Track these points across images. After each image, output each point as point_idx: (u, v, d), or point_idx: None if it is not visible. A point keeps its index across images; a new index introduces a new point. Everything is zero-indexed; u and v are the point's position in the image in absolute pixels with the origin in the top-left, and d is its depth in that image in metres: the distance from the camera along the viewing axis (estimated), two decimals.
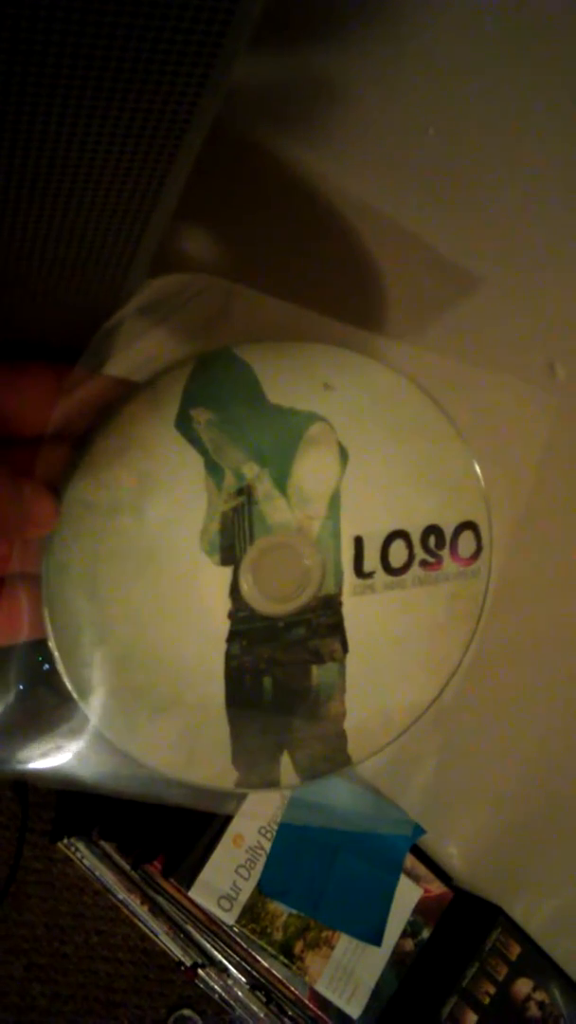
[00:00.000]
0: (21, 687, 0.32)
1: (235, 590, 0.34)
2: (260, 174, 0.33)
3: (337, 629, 0.35)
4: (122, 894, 1.09)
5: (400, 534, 0.34)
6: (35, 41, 0.20)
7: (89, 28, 0.20)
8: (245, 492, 0.33)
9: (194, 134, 0.24)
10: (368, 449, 0.34)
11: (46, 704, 0.33)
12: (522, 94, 0.31)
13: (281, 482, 0.33)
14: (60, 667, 0.32)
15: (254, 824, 0.84)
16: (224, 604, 0.34)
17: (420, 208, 0.35)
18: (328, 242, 0.36)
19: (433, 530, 0.35)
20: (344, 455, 0.34)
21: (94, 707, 0.33)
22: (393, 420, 0.34)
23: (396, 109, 0.32)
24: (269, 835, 0.85)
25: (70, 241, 0.27)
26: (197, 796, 0.35)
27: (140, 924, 1.15)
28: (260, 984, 0.92)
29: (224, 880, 0.83)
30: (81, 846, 1.10)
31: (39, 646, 0.32)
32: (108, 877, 1.08)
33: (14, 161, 0.23)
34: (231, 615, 0.34)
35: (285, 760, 0.35)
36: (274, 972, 0.85)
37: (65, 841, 1.11)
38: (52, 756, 0.33)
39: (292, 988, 0.85)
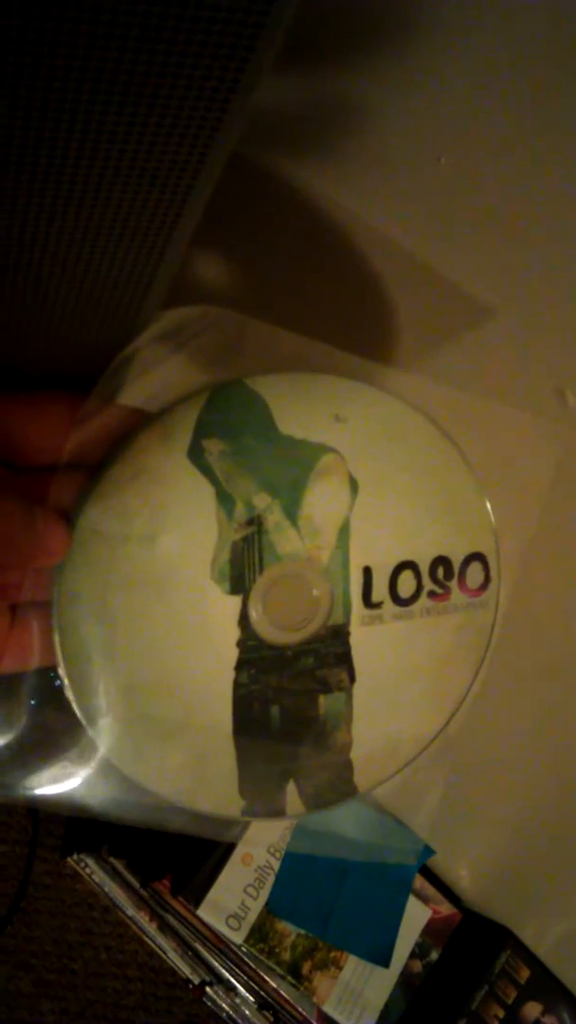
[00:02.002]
0: (31, 713, 0.33)
1: (244, 619, 0.34)
2: (270, 200, 0.34)
3: (345, 659, 0.35)
4: (131, 911, 1.09)
5: (409, 565, 0.35)
6: (55, 67, 0.20)
7: (110, 54, 0.20)
8: (255, 522, 0.33)
9: (213, 163, 0.24)
10: (378, 480, 0.34)
11: (55, 730, 0.33)
12: (533, 124, 0.31)
13: (291, 512, 0.33)
14: (69, 694, 0.32)
15: (263, 843, 0.84)
16: (233, 633, 0.34)
17: (431, 237, 0.35)
18: (339, 270, 0.36)
19: (442, 561, 0.35)
20: (354, 486, 0.34)
21: (102, 733, 0.33)
22: (403, 451, 0.34)
23: (408, 137, 0.32)
24: (278, 854, 0.85)
25: (85, 272, 0.27)
26: (202, 824, 0.35)
27: (149, 941, 1.14)
28: (268, 1004, 0.91)
29: (232, 899, 0.83)
30: (91, 862, 1.10)
31: (49, 673, 0.33)
32: (117, 893, 1.08)
33: (31, 190, 0.23)
34: (240, 644, 0.34)
35: (291, 789, 0.35)
36: (282, 992, 0.85)
37: (75, 857, 1.11)
38: (60, 782, 0.33)
39: (300, 1009, 0.85)
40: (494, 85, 0.30)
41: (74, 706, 0.33)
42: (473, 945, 0.89)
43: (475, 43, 0.29)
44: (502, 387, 0.38)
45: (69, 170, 0.23)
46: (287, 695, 0.34)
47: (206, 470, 0.33)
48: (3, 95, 0.20)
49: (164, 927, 1.06)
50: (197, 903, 0.82)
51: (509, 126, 0.31)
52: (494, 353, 0.38)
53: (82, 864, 1.12)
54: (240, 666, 0.34)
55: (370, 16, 0.28)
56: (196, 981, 1.12)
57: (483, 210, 0.34)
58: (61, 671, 0.32)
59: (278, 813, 0.35)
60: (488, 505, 0.35)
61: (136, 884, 0.99)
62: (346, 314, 0.37)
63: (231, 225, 0.34)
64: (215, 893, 0.83)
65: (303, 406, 0.33)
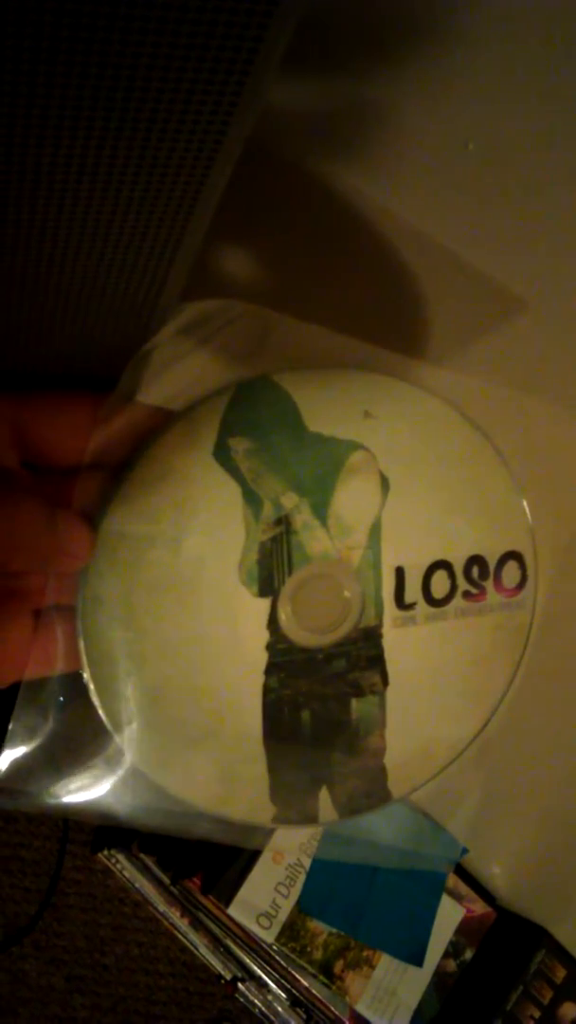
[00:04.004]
0: (56, 720, 0.32)
1: (273, 622, 0.33)
2: (295, 193, 0.33)
3: (377, 661, 0.34)
4: (162, 906, 1.09)
5: (442, 564, 0.34)
6: (62, 61, 0.19)
7: (115, 47, 0.19)
8: (284, 522, 0.32)
9: (226, 155, 0.23)
10: (410, 478, 0.33)
11: (81, 737, 0.32)
12: (565, 107, 0.30)
13: (321, 512, 0.33)
14: (95, 699, 0.32)
15: (294, 840, 0.83)
16: (262, 636, 0.33)
17: (461, 226, 0.34)
18: (366, 262, 0.35)
19: (476, 560, 0.34)
20: (385, 484, 0.33)
21: (129, 740, 0.32)
22: (435, 448, 0.33)
23: (435, 123, 0.31)
24: (309, 852, 0.85)
25: (99, 265, 0.27)
26: (231, 831, 0.34)
27: (180, 936, 1.14)
28: (300, 1001, 0.91)
29: (263, 897, 0.83)
30: (121, 858, 1.10)
31: (74, 678, 0.32)
32: (148, 889, 1.08)
33: (43, 185, 0.23)
34: (269, 647, 0.33)
35: (323, 795, 0.34)
36: (314, 992, 0.85)
37: (105, 852, 1.11)
38: (87, 789, 0.33)
39: (332, 1008, 0.84)
40: (524, 69, 0.29)
41: (100, 712, 0.32)
42: (508, 944, 0.88)
43: (504, 27, 0.28)
44: (537, 381, 0.37)
45: (77, 162, 0.22)
46: (318, 699, 0.34)
47: (232, 469, 0.32)
48: (16, 91, 0.19)
49: (195, 923, 1.06)
50: (228, 902, 0.82)
51: (538, 110, 0.30)
52: (528, 346, 0.36)
53: (112, 860, 1.12)
54: (270, 670, 0.33)
55: (396, 7, 0.27)
56: (228, 977, 1.12)
57: (513, 198, 0.33)
58: (86, 676, 0.32)
59: (310, 820, 0.34)
60: (524, 502, 0.34)
61: (167, 881, 0.99)
62: (374, 307, 0.36)
63: (256, 218, 0.33)
64: (246, 891, 0.82)
65: (332, 402, 0.33)
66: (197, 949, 1.13)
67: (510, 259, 0.35)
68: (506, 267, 0.35)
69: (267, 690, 0.33)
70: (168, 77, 0.20)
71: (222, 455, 0.32)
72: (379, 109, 0.30)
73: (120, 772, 0.33)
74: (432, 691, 0.34)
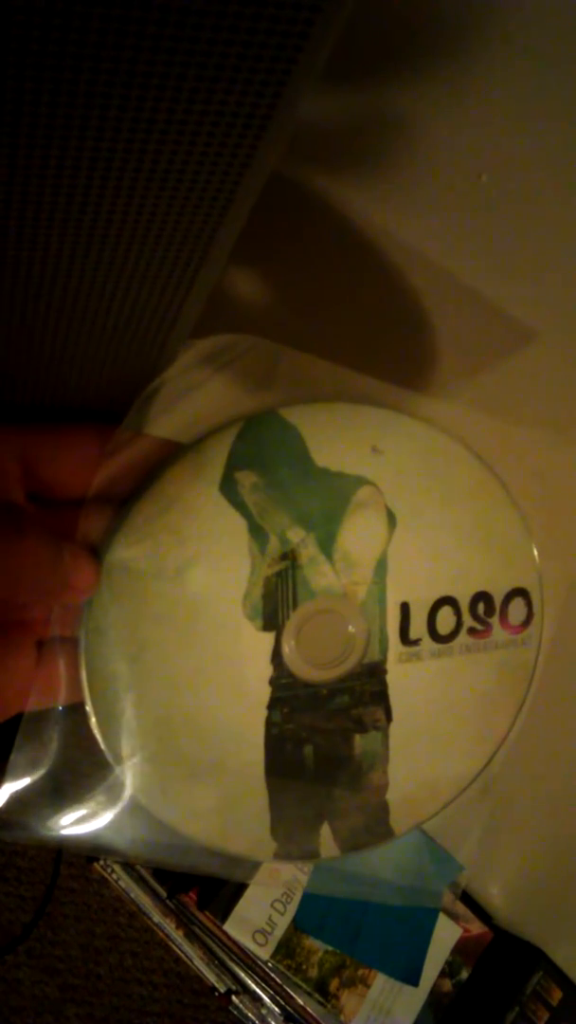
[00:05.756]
0: (57, 752, 0.32)
1: (277, 656, 0.33)
2: (305, 220, 0.33)
3: (381, 697, 0.34)
4: (157, 918, 1.09)
5: (448, 600, 0.33)
6: (93, 80, 0.18)
7: (145, 68, 0.18)
8: (289, 556, 0.32)
9: (250, 185, 0.23)
10: (417, 513, 0.33)
11: (81, 770, 0.32)
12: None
13: (327, 546, 0.32)
14: (96, 731, 0.32)
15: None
16: (265, 670, 0.33)
17: (472, 257, 0.34)
18: (376, 294, 0.35)
19: (482, 596, 0.34)
20: (392, 519, 0.33)
21: (130, 772, 0.32)
22: (443, 483, 0.33)
23: (448, 155, 0.31)
24: (306, 869, 0.84)
25: (112, 300, 0.26)
26: (232, 866, 0.34)
27: (175, 948, 1.14)
28: (294, 1017, 0.90)
29: (259, 914, 0.82)
30: (118, 868, 1.10)
31: (76, 710, 0.32)
32: (143, 901, 1.08)
33: (53, 217, 0.22)
34: (272, 681, 0.33)
35: (325, 831, 0.34)
36: (308, 1009, 0.84)
37: (101, 862, 1.11)
38: (86, 822, 0.32)
39: None
40: (538, 102, 0.29)
41: (101, 744, 0.32)
42: (504, 965, 0.88)
43: (519, 59, 0.28)
44: (546, 416, 0.36)
45: (95, 194, 0.22)
46: (321, 734, 0.33)
47: (239, 503, 0.32)
48: (34, 122, 0.19)
49: (190, 935, 1.06)
50: (224, 917, 0.82)
51: (552, 143, 0.30)
52: (537, 380, 0.36)
53: (109, 870, 1.12)
54: (273, 704, 0.33)
55: (412, 33, 0.27)
56: (222, 989, 1.12)
57: (525, 230, 0.33)
58: (88, 708, 0.31)
59: (311, 856, 0.34)
60: (531, 539, 0.34)
61: (163, 894, 0.99)
62: (383, 340, 0.36)
63: (264, 247, 0.33)
64: (242, 908, 0.82)
65: (339, 437, 0.32)
66: (192, 961, 1.12)
67: (521, 291, 0.35)
68: (517, 299, 0.35)
69: (270, 724, 0.33)
70: (195, 100, 0.19)
71: (229, 489, 0.32)
72: (391, 136, 0.30)
73: (120, 805, 0.32)
74: (436, 728, 0.34)
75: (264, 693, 0.33)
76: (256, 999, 1.01)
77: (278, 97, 0.20)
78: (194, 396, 0.31)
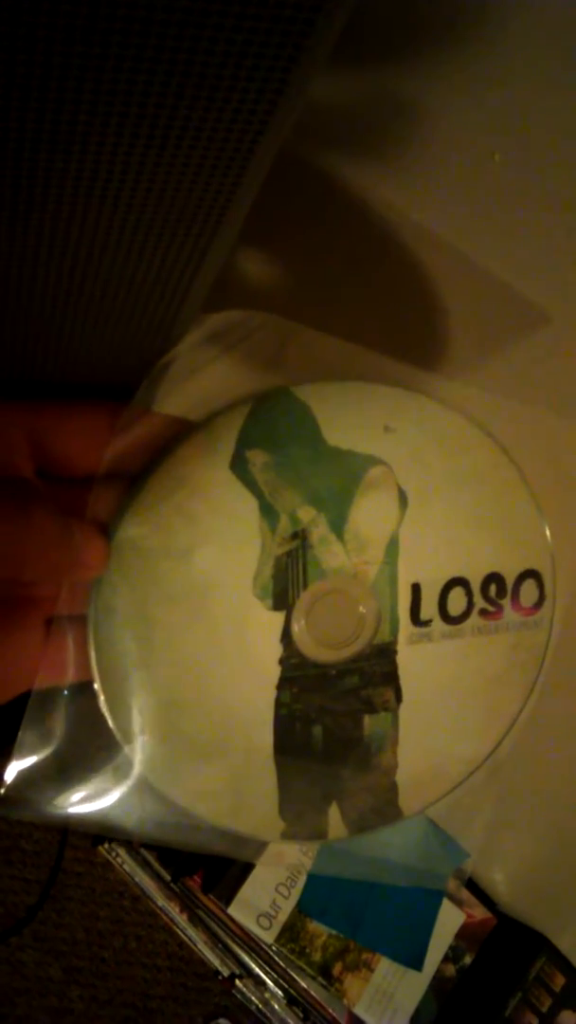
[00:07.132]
0: (65, 730, 0.32)
1: (287, 636, 0.33)
2: (318, 200, 0.32)
3: (391, 678, 0.33)
4: (161, 901, 1.09)
5: (459, 581, 0.33)
6: (104, 56, 0.18)
7: (158, 43, 0.18)
8: (300, 536, 0.32)
9: (261, 160, 0.23)
10: (428, 493, 0.33)
11: (90, 748, 0.32)
12: None
13: (338, 526, 0.32)
14: (105, 710, 0.31)
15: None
16: (275, 650, 0.33)
17: (485, 238, 0.34)
18: (389, 274, 0.35)
19: (494, 578, 0.33)
20: (404, 499, 0.32)
21: (138, 751, 0.32)
22: (455, 464, 0.33)
23: (461, 133, 0.30)
24: (311, 853, 0.84)
25: (122, 273, 0.26)
26: (239, 846, 0.34)
27: (179, 931, 1.14)
28: (297, 1000, 0.91)
29: (264, 898, 0.83)
30: (122, 852, 1.10)
31: (84, 688, 0.32)
32: (148, 884, 1.08)
33: (63, 194, 0.22)
34: (282, 661, 0.33)
35: (333, 811, 0.34)
36: (312, 993, 0.84)
37: (106, 846, 1.11)
38: (94, 801, 0.32)
39: (330, 1010, 0.84)
40: (551, 80, 0.29)
41: (110, 723, 0.32)
42: (507, 951, 0.88)
43: (532, 38, 0.27)
44: (558, 397, 0.36)
45: (105, 171, 0.22)
46: (330, 715, 0.33)
47: (249, 482, 0.31)
48: (44, 96, 0.19)
49: (194, 919, 1.06)
50: (228, 901, 0.82)
51: (566, 122, 0.30)
52: (550, 361, 0.36)
53: (113, 853, 1.12)
54: (282, 684, 0.33)
55: (425, 13, 0.27)
56: (226, 973, 1.12)
57: (538, 210, 0.33)
58: (97, 687, 0.31)
59: (319, 836, 0.34)
60: (544, 520, 0.33)
61: (167, 877, 0.99)
62: (397, 320, 0.35)
63: (278, 226, 0.32)
64: (246, 891, 0.82)
65: (351, 416, 0.32)
66: (195, 945, 1.13)
67: (535, 272, 0.35)
68: (530, 280, 0.35)
69: (279, 704, 0.33)
70: (206, 75, 0.19)
71: (239, 467, 0.31)
72: (406, 117, 0.30)
73: (128, 783, 0.32)
74: (446, 709, 0.34)
75: (274, 673, 0.33)
76: (260, 983, 1.02)
77: (288, 72, 0.20)
78: (205, 373, 0.31)
